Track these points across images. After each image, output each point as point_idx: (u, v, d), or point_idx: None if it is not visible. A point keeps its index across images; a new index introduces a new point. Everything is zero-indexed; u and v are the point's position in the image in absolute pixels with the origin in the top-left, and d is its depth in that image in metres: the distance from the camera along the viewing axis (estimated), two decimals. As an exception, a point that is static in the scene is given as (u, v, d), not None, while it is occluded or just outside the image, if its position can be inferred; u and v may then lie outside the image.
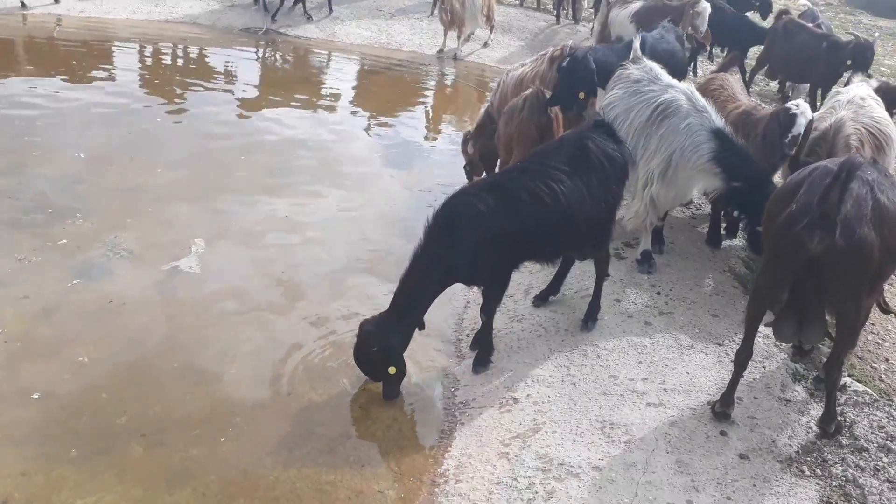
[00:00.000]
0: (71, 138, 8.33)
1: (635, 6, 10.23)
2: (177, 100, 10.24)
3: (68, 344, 5.13)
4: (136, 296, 5.72)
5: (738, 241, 6.67)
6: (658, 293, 5.76)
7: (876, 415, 4.68)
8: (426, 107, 11.37)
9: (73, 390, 4.71)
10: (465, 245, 4.78)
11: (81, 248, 6.25)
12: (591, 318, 5.39)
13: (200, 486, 4.11)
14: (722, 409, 4.51)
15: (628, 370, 4.94)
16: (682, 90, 5.50)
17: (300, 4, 14.25)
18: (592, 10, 14.94)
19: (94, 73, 10.86)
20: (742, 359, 4.42)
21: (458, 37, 13.35)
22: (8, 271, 5.82)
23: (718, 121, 5.36)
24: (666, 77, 5.71)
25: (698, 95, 5.51)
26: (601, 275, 5.40)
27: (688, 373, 4.93)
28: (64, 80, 10.32)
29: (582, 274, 5.96)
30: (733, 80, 6.75)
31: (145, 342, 5.25)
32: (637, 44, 6.17)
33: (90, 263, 6.07)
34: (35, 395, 4.63)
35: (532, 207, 4.85)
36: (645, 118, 5.52)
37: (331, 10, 14.40)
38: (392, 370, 4.81)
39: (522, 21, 14.65)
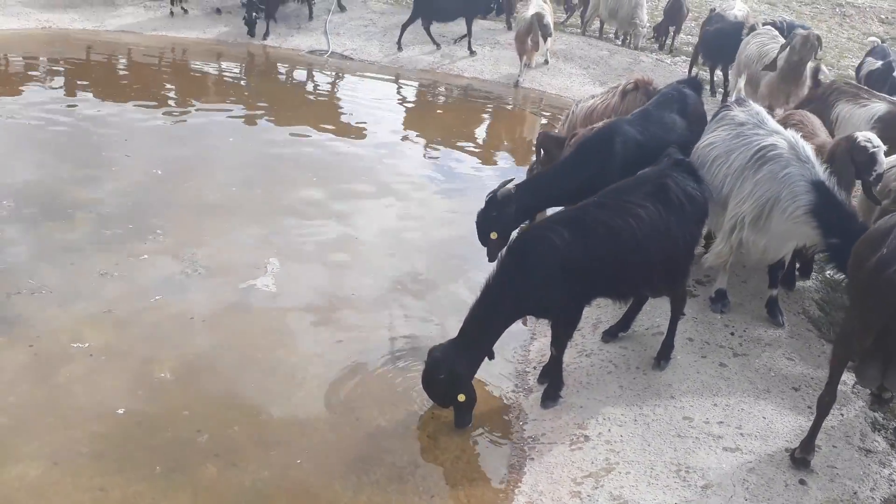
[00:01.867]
0: (146, 155, 8.56)
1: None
2: (243, 120, 10.42)
3: (149, 360, 5.23)
4: (214, 313, 5.83)
5: (812, 282, 6.53)
6: (732, 333, 5.65)
7: (962, 470, 4.50)
8: (486, 133, 11.40)
9: (151, 407, 4.79)
10: (537, 278, 4.77)
11: (162, 264, 6.40)
12: (664, 356, 5.30)
13: (273, 509, 4.13)
14: (802, 455, 4.39)
15: (703, 412, 4.84)
16: (787, 137, 5.35)
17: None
18: (654, 37, 14.92)
19: (168, 93, 11.15)
20: (825, 403, 4.30)
21: (525, 64, 13.39)
22: (91, 286, 5.96)
23: (821, 172, 5.19)
24: (772, 122, 5.59)
25: (803, 144, 5.32)
26: (676, 313, 5.31)
27: (764, 417, 4.81)
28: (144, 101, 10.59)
29: (652, 310, 5.87)
30: (813, 117, 6.61)
31: (220, 361, 5.33)
32: (741, 83, 6.11)
33: (171, 279, 6.20)
34: (120, 411, 4.72)
35: (608, 243, 4.81)
36: (744, 161, 5.40)
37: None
38: (462, 397, 4.80)
39: (584, 50, 14.61)
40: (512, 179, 6.07)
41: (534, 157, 7.74)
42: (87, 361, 5.12)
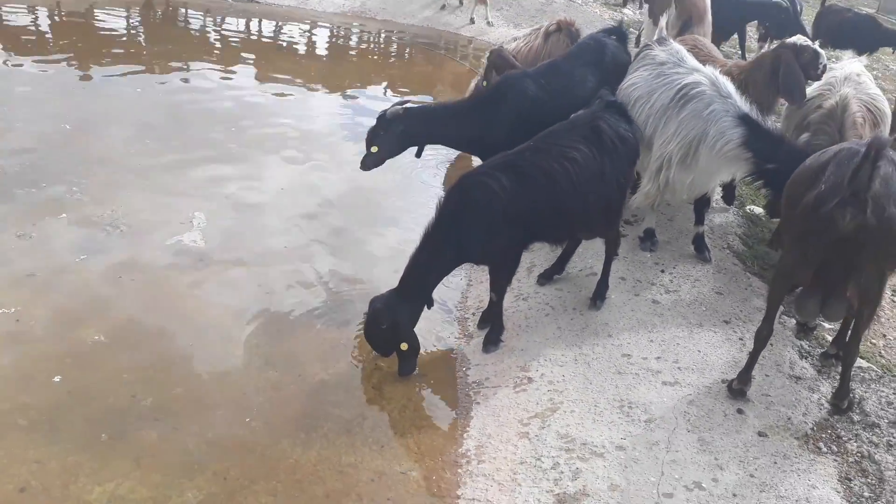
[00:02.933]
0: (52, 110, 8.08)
1: None
2: (147, 69, 9.92)
3: (79, 324, 4.99)
4: (142, 271, 5.61)
5: (734, 217, 6.74)
6: (662, 271, 5.79)
7: (883, 391, 4.78)
8: (399, 78, 11.21)
9: (83, 373, 4.56)
10: (477, 225, 4.75)
11: (81, 223, 6.08)
12: (599, 296, 5.39)
13: (220, 471, 4.02)
14: (739, 386, 4.56)
15: (641, 349, 4.97)
16: (707, 75, 5.42)
17: None
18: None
19: (64, 45, 10.49)
20: (763, 336, 4.46)
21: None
22: (10, 249, 5.63)
23: (744, 105, 5.28)
24: (691, 61, 5.63)
25: (723, 80, 5.40)
26: (610, 254, 5.39)
27: (699, 351, 4.97)
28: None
29: (584, 252, 5.95)
30: (706, 41, 6.74)
31: (153, 322, 5.12)
32: (663, 22, 6.12)
33: (93, 238, 5.90)
34: (52, 379, 4.48)
35: (545, 187, 4.82)
36: (667, 101, 5.45)
37: None
38: (405, 346, 4.79)
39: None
40: (407, 101, 6.08)
41: (480, 75, 7.60)
42: (12, 328, 4.84)
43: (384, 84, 10.75)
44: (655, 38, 5.98)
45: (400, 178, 7.47)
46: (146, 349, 4.87)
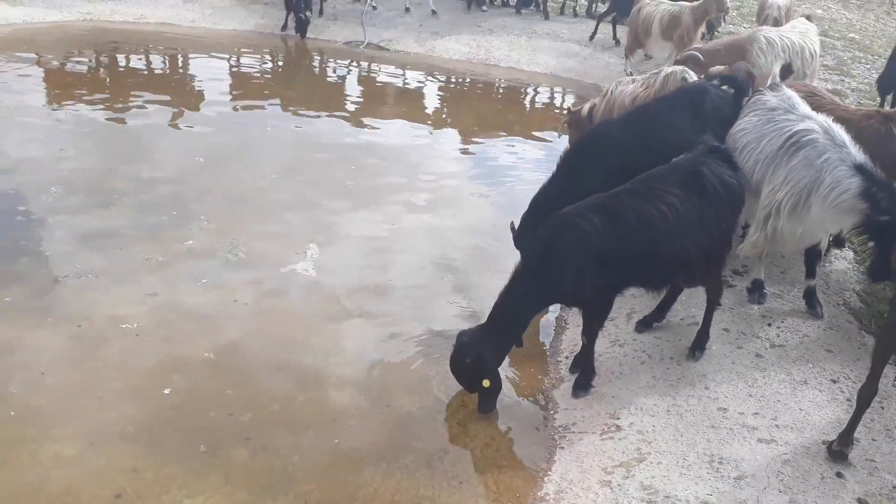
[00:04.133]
0: (186, 145, 8.72)
1: None
2: (280, 111, 10.52)
3: (190, 343, 5.33)
4: (255, 297, 5.95)
5: (853, 273, 6.38)
6: (769, 324, 5.54)
7: None
8: (520, 121, 11.33)
9: (187, 390, 4.86)
10: (567, 265, 4.72)
11: (204, 249, 6.53)
12: (698, 347, 5.21)
13: (302, 494, 4.15)
14: (840, 448, 4.28)
15: (738, 403, 4.76)
16: (819, 122, 5.22)
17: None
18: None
19: (203, 85, 11.29)
20: (866, 395, 4.19)
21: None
22: (137, 270, 6.10)
23: (859, 155, 5.05)
24: (803, 107, 5.44)
25: (837, 128, 5.19)
26: (712, 303, 5.21)
27: (801, 409, 4.71)
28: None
29: (688, 300, 5.79)
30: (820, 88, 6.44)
31: (258, 345, 5.41)
32: (776, 69, 5.96)
33: (213, 264, 6.33)
34: (157, 393, 4.79)
35: (640, 231, 4.73)
36: (776, 147, 5.26)
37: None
38: (486, 383, 4.78)
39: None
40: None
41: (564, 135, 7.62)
42: (129, 343, 5.21)
43: (503, 130, 10.89)
44: (768, 84, 5.80)
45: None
46: (249, 370, 5.13)
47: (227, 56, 12.97)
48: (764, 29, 8.51)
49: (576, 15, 15.36)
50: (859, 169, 4.96)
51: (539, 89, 13.05)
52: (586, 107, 7.45)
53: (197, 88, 11.15)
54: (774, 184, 5.30)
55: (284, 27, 14.34)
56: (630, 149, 5.66)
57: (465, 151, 9.72)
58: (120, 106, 9.92)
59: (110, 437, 4.36)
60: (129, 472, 4.13)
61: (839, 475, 4.21)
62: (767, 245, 5.52)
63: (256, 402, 4.81)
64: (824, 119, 5.25)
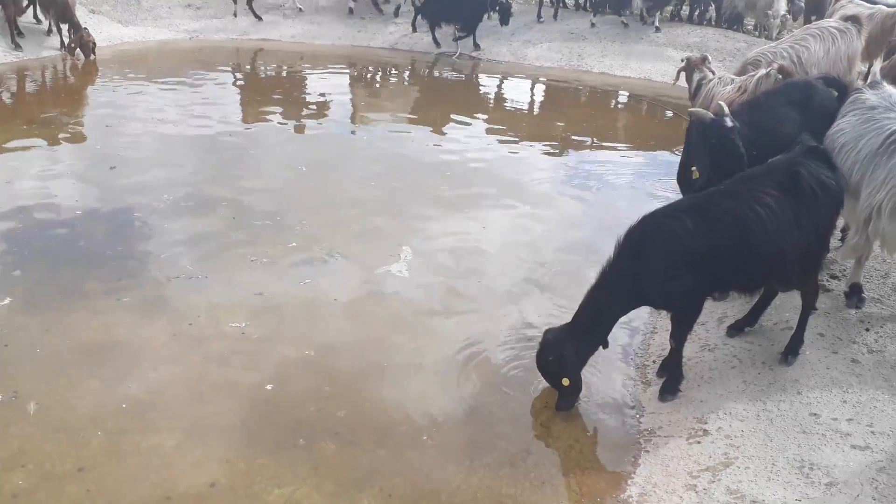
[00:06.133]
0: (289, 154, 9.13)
1: None
2: (373, 121, 10.80)
3: (295, 338, 5.56)
4: (351, 297, 6.17)
5: (964, 278, 6.06)
6: (867, 329, 5.32)
7: None
8: (615, 128, 11.25)
9: (282, 384, 5.05)
10: (655, 267, 4.67)
11: (306, 251, 6.82)
12: (791, 351, 5.06)
13: (387, 488, 4.25)
14: None
15: (831, 409, 4.60)
16: None
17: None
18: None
19: (303, 94, 11.73)
20: None
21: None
22: (243, 271, 6.42)
23: None
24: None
25: None
26: (807, 308, 5.06)
27: (899, 417, 4.52)
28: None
29: (781, 304, 5.63)
30: None
31: (351, 343, 5.59)
32: (877, 66, 5.77)
33: (315, 265, 6.61)
34: (269, 387, 5.02)
35: (734, 233, 4.62)
36: (875, 147, 5.07)
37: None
38: (566, 382, 4.80)
39: (720, 42, 14.15)
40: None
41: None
42: (235, 341, 5.47)
43: (592, 136, 10.84)
44: (869, 81, 5.59)
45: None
46: (345, 368, 5.30)
47: (320, 68, 13.39)
48: None
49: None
50: None
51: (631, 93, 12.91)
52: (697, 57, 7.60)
53: (295, 100, 11.55)
54: (874, 185, 5.11)
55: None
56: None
57: (555, 156, 9.72)
58: (229, 118, 10.41)
59: (208, 429, 4.58)
60: (223, 462, 4.33)
61: (939, 485, 4.02)
62: (868, 248, 5.33)
63: (349, 399, 4.96)
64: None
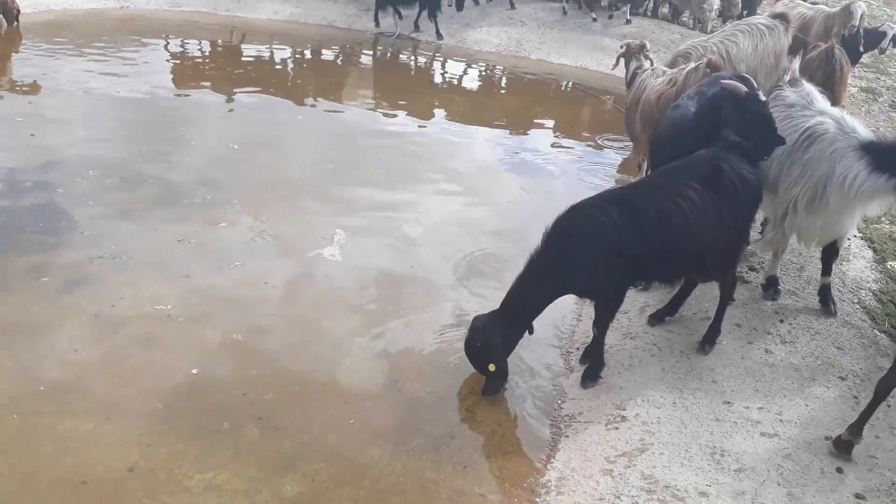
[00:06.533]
0: (222, 131, 8.96)
1: None
2: (309, 99, 10.68)
3: (223, 322, 5.50)
4: (283, 280, 6.11)
5: (871, 273, 6.35)
6: (781, 321, 5.55)
7: None
8: (551, 115, 11.36)
9: (204, 369, 5.00)
10: (581, 256, 4.77)
11: (235, 232, 6.72)
12: (709, 341, 5.25)
13: (310, 472, 4.27)
14: (849, 437, 4.31)
15: (744, 398, 4.79)
16: (834, 115, 5.20)
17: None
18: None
19: (239, 70, 11.49)
20: (886, 387, 4.22)
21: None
22: (170, 252, 6.30)
23: (867, 134, 5.02)
24: (821, 102, 5.43)
25: (849, 118, 5.17)
26: (725, 299, 5.24)
27: (806, 405, 4.74)
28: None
29: (701, 295, 5.81)
30: None
31: (278, 327, 5.55)
32: (796, 64, 5.96)
33: (244, 247, 6.50)
34: (194, 371, 4.97)
35: (658, 225, 4.75)
36: (791, 143, 5.25)
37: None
38: (492, 367, 4.88)
39: (656, 33, 14.35)
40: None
41: None
42: (164, 322, 5.39)
43: (529, 123, 10.93)
44: (789, 79, 5.78)
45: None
46: (272, 352, 5.27)
47: (260, 44, 13.16)
48: None
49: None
50: (866, 147, 4.93)
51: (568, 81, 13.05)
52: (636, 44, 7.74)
53: (229, 76, 11.32)
54: (790, 180, 5.31)
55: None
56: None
57: (494, 142, 9.77)
58: (159, 91, 10.13)
59: (128, 413, 4.52)
60: (142, 446, 4.28)
61: (839, 470, 4.24)
62: (784, 242, 5.53)
63: (276, 384, 4.94)
64: (839, 111, 5.25)
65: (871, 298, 5.94)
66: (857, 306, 5.81)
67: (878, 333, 5.49)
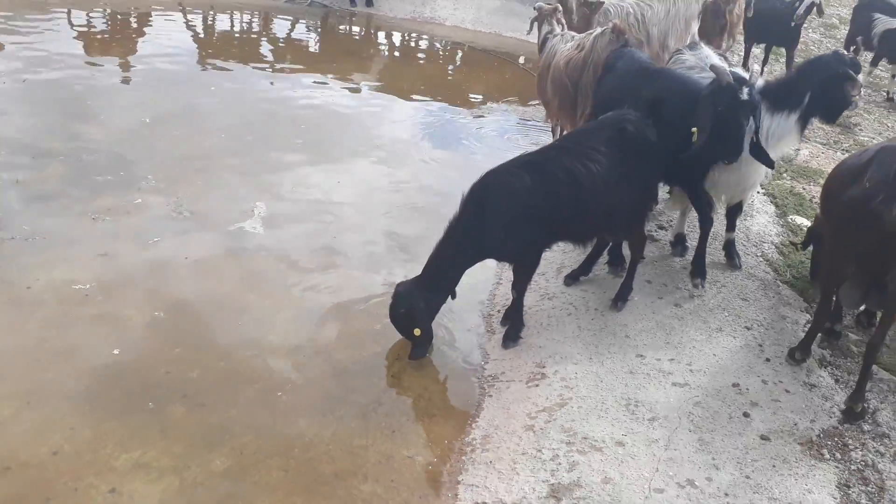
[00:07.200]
0: (132, 104, 8.71)
1: None
2: (222, 69, 10.45)
3: (143, 300, 5.44)
4: (204, 256, 6.05)
5: (773, 226, 6.69)
6: (689, 276, 5.82)
7: (900, 403, 4.73)
8: (466, 81, 11.43)
9: (127, 348, 4.95)
10: (497, 221, 4.90)
11: (152, 208, 6.59)
12: (621, 298, 5.48)
13: (238, 446, 4.31)
14: (802, 356, 4.92)
15: (656, 350, 5.04)
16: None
17: None
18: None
19: (146, 41, 11.16)
20: (822, 314, 4.88)
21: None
22: (85, 230, 6.15)
23: (761, 81, 5.25)
24: (716, 63, 5.63)
25: (743, 72, 5.41)
26: (635, 257, 5.47)
27: (714, 355, 5.01)
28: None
29: (614, 254, 6.03)
30: None
31: (206, 302, 5.53)
32: (695, 28, 6.18)
33: (162, 223, 6.40)
34: (115, 351, 4.92)
35: (568, 187, 4.91)
36: None
37: None
38: (417, 332, 5.01)
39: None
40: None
41: None
42: (82, 303, 5.30)
43: (449, 90, 10.99)
44: (688, 42, 6.00)
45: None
46: (197, 327, 5.26)
47: (166, 11, 12.78)
48: None
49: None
50: (762, 94, 5.17)
51: (481, 46, 13.11)
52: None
53: (138, 47, 10.98)
54: None
55: None
56: None
57: (415, 108, 9.78)
58: (66, 64, 9.76)
59: (49, 396, 4.46)
60: (66, 429, 4.25)
61: (746, 415, 4.53)
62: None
63: (200, 360, 4.93)
64: (737, 70, 5.47)
65: (773, 251, 6.27)
66: (761, 259, 6.13)
67: (781, 284, 5.82)
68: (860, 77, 4.97)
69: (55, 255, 5.78)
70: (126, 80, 9.55)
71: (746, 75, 5.07)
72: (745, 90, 4.89)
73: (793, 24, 9.99)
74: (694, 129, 4.99)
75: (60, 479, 3.97)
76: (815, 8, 9.76)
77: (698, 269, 5.68)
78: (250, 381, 4.83)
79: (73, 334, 5.01)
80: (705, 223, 5.60)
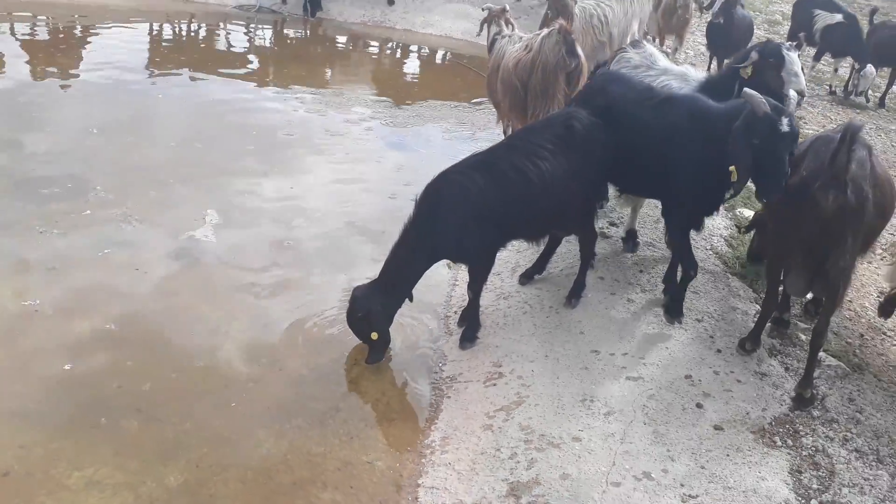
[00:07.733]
0: (79, 115, 8.54)
1: None
2: (170, 77, 10.33)
3: (93, 313, 5.33)
4: (158, 268, 5.96)
5: (721, 220, 6.81)
6: (641, 271, 5.91)
7: (847, 388, 4.85)
8: (418, 86, 11.45)
9: (77, 363, 4.85)
10: (450, 223, 4.91)
11: (102, 219, 6.47)
12: (574, 295, 5.53)
13: (194, 458, 4.25)
14: (752, 346, 5.03)
15: (610, 346, 5.10)
16: (674, 72, 5.54)
17: None
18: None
19: (93, 51, 10.96)
20: (769, 307, 4.99)
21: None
22: (33, 243, 6.02)
23: (701, 76, 5.40)
24: (663, 62, 5.74)
25: (694, 72, 5.53)
26: (586, 253, 5.52)
27: (667, 348, 5.09)
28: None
29: (567, 253, 6.09)
30: None
31: (157, 315, 5.43)
32: (635, 26, 6.28)
33: (113, 234, 6.29)
34: (67, 367, 4.81)
35: (518, 185, 4.94)
36: None
37: None
38: (374, 336, 4.99)
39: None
40: None
41: None
42: (31, 318, 5.19)
43: (402, 93, 10.99)
44: (630, 41, 6.10)
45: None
46: (149, 339, 5.18)
47: (114, 23, 12.58)
48: None
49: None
50: (702, 88, 5.31)
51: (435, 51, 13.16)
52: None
53: (83, 58, 10.79)
54: None
55: None
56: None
57: (366, 115, 9.76)
58: (8, 76, 9.55)
59: (-3, 415, 4.38)
60: (16, 449, 4.15)
61: (699, 406, 4.60)
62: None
63: (153, 373, 4.86)
64: (682, 70, 5.59)
65: (722, 244, 6.39)
66: (710, 252, 6.24)
67: (730, 276, 5.93)
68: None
69: (2, 270, 5.65)
70: (72, 91, 9.37)
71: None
72: (785, 120, 4.37)
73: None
74: (732, 168, 4.50)
75: (11, 501, 3.88)
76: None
77: (676, 308, 5.41)
78: (205, 392, 4.77)
79: (22, 350, 4.91)
80: (692, 269, 5.29)
